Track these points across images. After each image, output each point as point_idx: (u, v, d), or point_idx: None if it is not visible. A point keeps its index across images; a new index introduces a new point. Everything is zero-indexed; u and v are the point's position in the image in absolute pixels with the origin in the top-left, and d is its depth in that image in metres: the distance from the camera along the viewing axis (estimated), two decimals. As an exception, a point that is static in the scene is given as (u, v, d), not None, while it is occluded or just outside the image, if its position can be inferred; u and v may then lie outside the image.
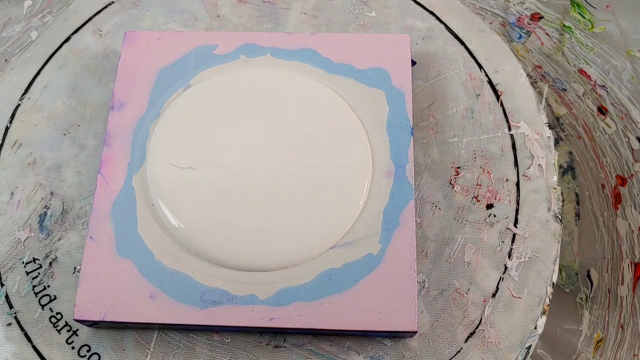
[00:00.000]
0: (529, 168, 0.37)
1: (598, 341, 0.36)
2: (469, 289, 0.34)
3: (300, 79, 0.37)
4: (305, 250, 0.33)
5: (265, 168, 0.35)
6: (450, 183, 0.37)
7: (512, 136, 0.38)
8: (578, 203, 0.43)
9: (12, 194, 0.37)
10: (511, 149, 0.38)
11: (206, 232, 0.33)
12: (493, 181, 0.37)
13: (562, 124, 0.45)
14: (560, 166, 0.44)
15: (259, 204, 0.34)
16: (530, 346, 0.33)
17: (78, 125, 0.39)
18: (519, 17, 0.48)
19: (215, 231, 0.33)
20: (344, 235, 0.33)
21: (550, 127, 0.40)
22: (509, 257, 0.35)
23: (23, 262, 0.35)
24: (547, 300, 0.34)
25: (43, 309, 0.34)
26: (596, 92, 0.42)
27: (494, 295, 0.34)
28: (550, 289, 0.34)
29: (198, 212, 0.34)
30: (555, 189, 0.36)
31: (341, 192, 0.34)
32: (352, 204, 0.34)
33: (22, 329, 0.34)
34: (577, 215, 0.43)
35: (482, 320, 0.33)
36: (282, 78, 0.37)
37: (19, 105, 0.40)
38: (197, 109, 0.36)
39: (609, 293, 0.40)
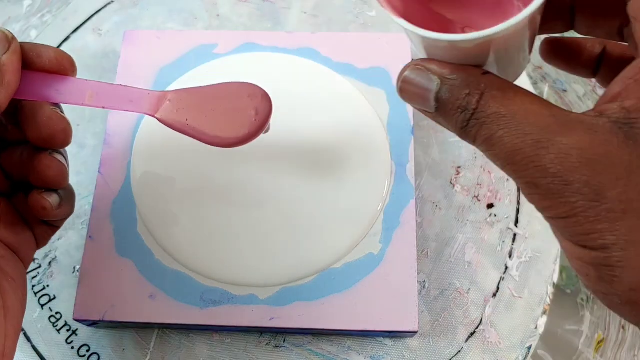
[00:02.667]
0: (529, 168, 0.37)
1: (599, 342, 0.36)
2: (469, 289, 0.34)
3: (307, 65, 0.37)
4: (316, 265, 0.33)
5: (272, 171, 0.34)
6: (451, 182, 0.37)
7: (512, 136, 0.38)
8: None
9: (11, 193, 0.37)
10: (512, 149, 0.38)
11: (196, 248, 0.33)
12: (494, 181, 0.37)
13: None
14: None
15: (262, 215, 0.34)
16: (530, 346, 0.33)
17: (77, 125, 0.39)
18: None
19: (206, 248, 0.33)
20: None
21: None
22: (510, 256, 0.35)
23: (22, 262, 0.35)
24: (548, 300, 0.34)
25: (42, 309, 0.34)
26: (596, 94, 0.42)
27: (494, 295, 0.34)
28: (551, 289, 0.34)
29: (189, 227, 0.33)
30: (556, 188, 0.36)
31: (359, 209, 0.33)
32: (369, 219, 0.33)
33: (22, 329, 0.33)
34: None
35: (483, 320, 0.33)
36: (289, 65, 0.37)
37: (18, 104, 0.40)
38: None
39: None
